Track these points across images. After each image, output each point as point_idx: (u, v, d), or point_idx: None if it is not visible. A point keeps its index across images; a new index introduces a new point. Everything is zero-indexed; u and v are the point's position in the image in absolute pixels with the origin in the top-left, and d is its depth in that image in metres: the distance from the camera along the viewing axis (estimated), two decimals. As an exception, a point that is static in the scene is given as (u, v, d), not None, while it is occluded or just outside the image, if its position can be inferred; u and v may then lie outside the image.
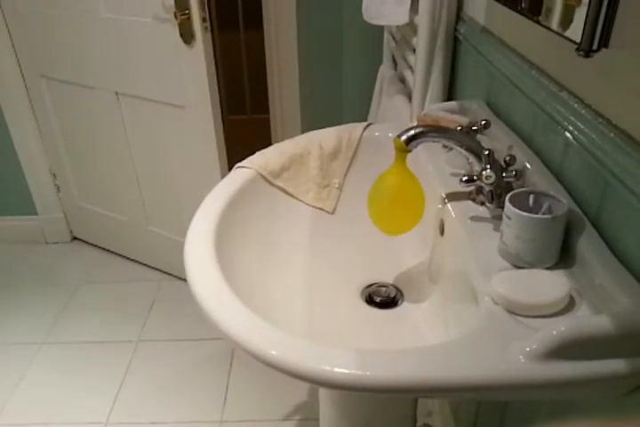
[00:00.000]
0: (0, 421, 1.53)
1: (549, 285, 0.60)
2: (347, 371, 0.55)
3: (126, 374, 1.66)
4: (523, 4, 0.58)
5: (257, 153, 1.02)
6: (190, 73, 1.57)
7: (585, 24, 0.39)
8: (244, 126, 3.20)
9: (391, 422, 0.89)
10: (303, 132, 2.08)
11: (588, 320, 0.54)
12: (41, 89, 1.97)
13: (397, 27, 1.53)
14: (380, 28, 1.80)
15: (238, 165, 1.00)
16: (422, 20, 1.11)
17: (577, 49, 0.41)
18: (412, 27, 1.26)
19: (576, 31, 0.41)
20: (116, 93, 1.78)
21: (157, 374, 1.67)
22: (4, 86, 1.98)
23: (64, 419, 1.53)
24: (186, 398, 1.58)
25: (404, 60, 1.39)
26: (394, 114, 1.38)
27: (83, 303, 1.97)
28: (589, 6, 0.39)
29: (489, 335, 0.57)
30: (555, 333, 0.52)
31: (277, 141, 2.18)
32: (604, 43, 0.39)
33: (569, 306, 0.59)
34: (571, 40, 0.42)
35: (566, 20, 0.45)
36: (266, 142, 2.14)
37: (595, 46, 0.40)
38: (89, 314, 1.92)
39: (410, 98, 1.30)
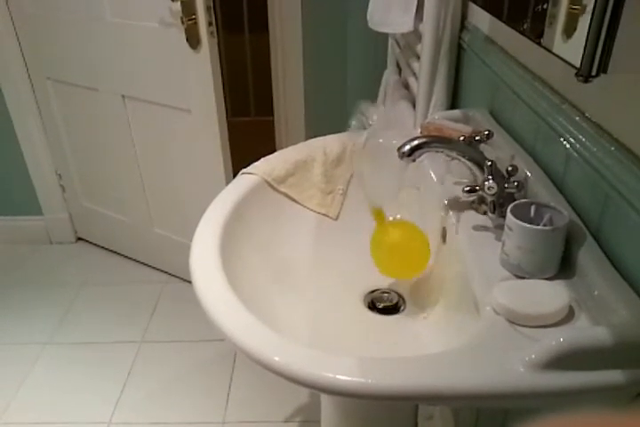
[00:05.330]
0: (4, 420, 1.54)
1: (550, 295, 0.61)
2: (349, 378, 0.56)
3: (129, 375, 1.68)
4: (525, 26, 0.59)
5: (262, 159, 1.03)
6: (196, 77, 1.58)
7: (584, 51, 0.41)
8: (248, 128, 3.21)
9: (392, 425, 0.90)
10: (307, 134, 2.09)
11: (586, 331, 0.55)
12: (47, 91, 1.99)
13: (402, 33, 1.54)
14: (385, 33, 1.81)
15: (243, 171, 1.01)
16: (427, 28, 1.12)
17: (576, 74, 0.42)
18: (416, 34, 1.27)
19: (576, 56, 0.42)
20: (123, 97, 1.79)
21: (160, 375, 1.68)
22: (11, 88, 2.00)
23: (67, 419, 1.54)
24: (188, 399, 1.60)
25: (409, 66, 1.40)
26: (397, 120, 1.39)
27: (87, 304, 1.98)
28: (588, 34, 0.40)
29: (489, 345, 0.58)
30: (554, 343, 0.53)
31: (281, 144, 2.19)
32: (603, 68, 0.40)
33: (568, 317, 0.60)
34: (571, 64, 0.43)
35: (566, 45, 0.46)
36: (270, 144, 2.15)
37: (594, 72, 0.41)
38: (93, 315, 1.93)
39: (414, 104, 1.31)
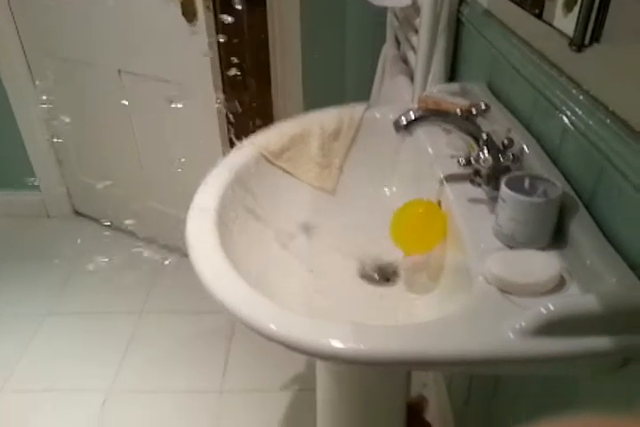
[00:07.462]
0: (6, 389, 1.57)
1: (541, 265, 0.62)
2: (343, 344, 0.57)
3: (129, 345, 1.70)
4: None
5: (258, 132, 1.03)
6: (192, 51, 1.57)
7: (577, 21, 0.41)
8: (245, 104, 3.19)
9: (386, 392, 0.92)
10: (305, 109, 2.08)
11: (575, 299, 0.57)
12: (43, 66, 1.97)
13: (401, 7, 1.52)
14: (384, 7, 1.79)
15: (240, 144, 1.01)
16: (425, 2, 1.11)
17: (569, 44, 0.42)
18: (414, 7, 1.26)
19: (569, 26, 0.42)
20: (119, 71, 1.77)
21: (159, 345, 1.71)
22: (6, 63, 1.98)
23: (68, 386, 1.57)
24: (187, 368, 1.63)
25: (407, 40, 1.39)
26: (396, 94, 1.39)
27: (85, 277, 2.00)
28: (582, 4, 0.40)
29: (481, 313, 0.59)
30: (543, 311, 0.54)
31: (279, 119, 2.18)
32: (596, 38, 0.40)
33: (559, 286, 0.61)
34: (564, 34, 0.44)
35: (560, 15, 0.47)
36: (267, 120, 2.14)
37: (586, 42, 0.41)
38: (91, 288, 1.95)
39: (412, 78, 1.30)
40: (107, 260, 2.08)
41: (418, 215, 0.85)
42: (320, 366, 0.92)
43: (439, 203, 0.85)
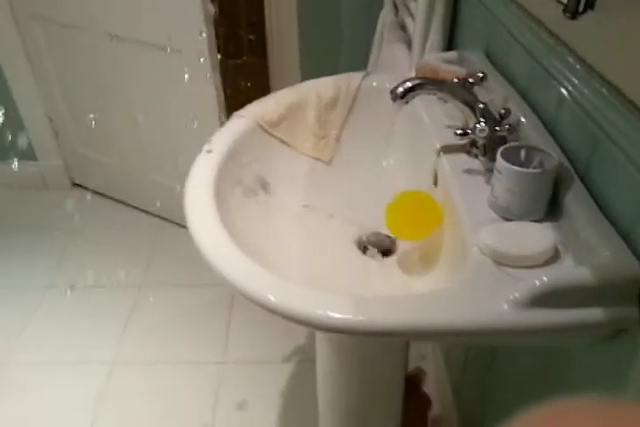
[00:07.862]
0: (11, 360, 1.59)
1: (536, 237, 0.62)
2: (341, 315, 0.58)
3: (130, 317, 1.72)
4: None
5: (255, 102, 1.02)
6: (187, 16, 1.53)
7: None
8: (242, 69, 3.14)
9: (385, 364, 0.94)
10: (302, 75, 2.06)
11: (569, 271, 0.57)
12: (34, 31, 1.93)
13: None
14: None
15: (236, 113, 1.00)
16: (424, -34, 1.09)
17: (564, 11, 0.42)
18: (413, -28, 1.23)
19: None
20: (110, 35, 1.74)
21: (160, 317, 1.72)
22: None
23: (70, 358, 1.60)
24: (188, 339, 1.65)
25: (406, 6, 1.36)
26: (393, 62, 1.37)
27: (84, 249, 2.00)
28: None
29: (475, 284, 0.60)
30: (537, 283, 0.55)
31: (275, 85, 2.16)
32: (590, 5, 0.40)
33: (554, 258, 0.61)
34: (559, 1, 0.43)
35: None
36: (263, 85, 2.11)
37: (580, 9, 0.40)
38: (90, 259, 1.95)
39: (410, 46, 1.28)
40: (105, 233, 2.08)
41: (414, 201, 0.85)
42: (320, 337, 0.93)
43: (435, 175, 0.85)
